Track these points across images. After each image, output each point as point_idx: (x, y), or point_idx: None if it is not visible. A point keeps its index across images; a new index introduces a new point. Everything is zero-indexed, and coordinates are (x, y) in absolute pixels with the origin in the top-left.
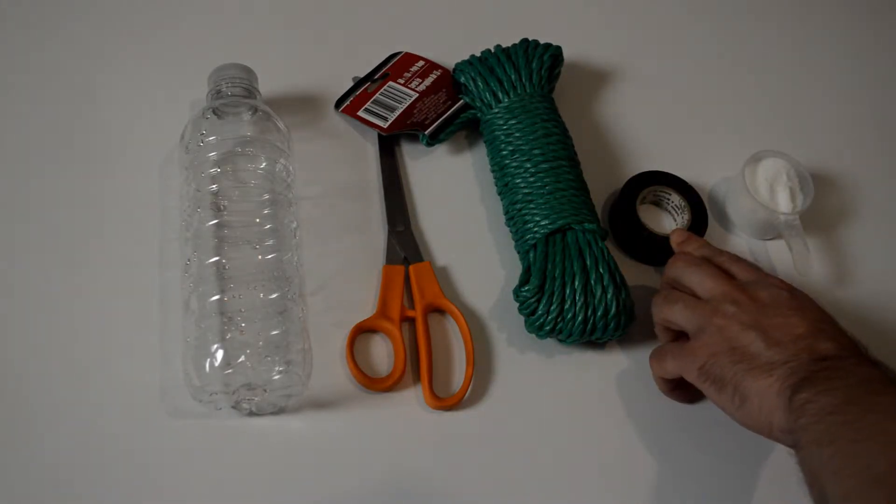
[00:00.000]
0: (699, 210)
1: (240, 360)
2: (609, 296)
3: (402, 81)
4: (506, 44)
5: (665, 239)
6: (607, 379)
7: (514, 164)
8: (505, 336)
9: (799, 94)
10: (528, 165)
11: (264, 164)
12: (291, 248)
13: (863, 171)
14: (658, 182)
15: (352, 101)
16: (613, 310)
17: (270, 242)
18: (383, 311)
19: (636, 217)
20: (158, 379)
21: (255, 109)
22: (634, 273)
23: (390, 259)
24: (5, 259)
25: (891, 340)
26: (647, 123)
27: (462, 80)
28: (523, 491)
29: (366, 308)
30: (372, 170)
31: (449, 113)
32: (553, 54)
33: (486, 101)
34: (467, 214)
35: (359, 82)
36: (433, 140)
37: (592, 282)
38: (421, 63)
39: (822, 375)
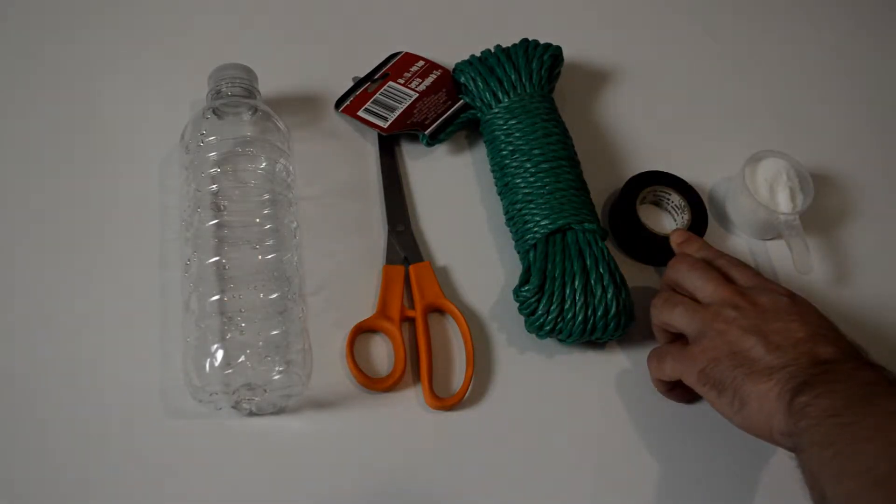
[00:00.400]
0: (699, 210)
1: (240, 360)
2: (609, 296)
3: (402, 81)
4: (506, 44)
5: (665, 239)
6: (607, 379)
7: (514, 164)
8: (505, 336)
9: (799, 94)
10: (528, 165)
11: (264, 164)
12: (291, 248)
13: (863, 171)
14: (658, 182)
15: (352, 101)
16: (613, 310)
17: (270, 242)
18: (383, 311)
19: (636, 217)
20: (158, 379)
21: (255, 109)
22: (634, 273)
23: (390, 259)
24: (5, 259)
25: (891, 340)
26: (647, 123)
27: (462, 80)
28: (523, 491)
29: (366, 308)
30: (372, 170)
31: (449, 113)
32: (553, 54)
33: (486, 101)
34: (467, 214)
35: (359, 82)
36: (433, 140)
37: (592, 282)
38: (421, 63)
39: (822, 379)
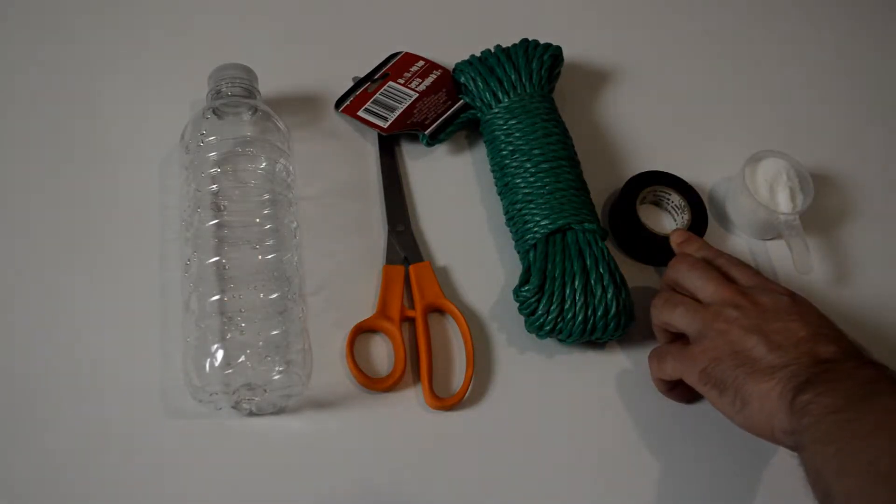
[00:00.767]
0: (699, 210)
1: (240, 360)
2: (609, 296)
3: (402, 81)
4: (506, 44)
5: (665, 239)
6: (607, 379)
7: (514, 164)
8: (505, 336)
9: (799, 94)
10: (528, 165)
11: (264, 164)
12: (291, 248)
13: (863, 171)
14: (658, 182)
15: (352, 101)
16: (613, 310)
17: (270, 242)
18: (383, 311)
19: (636, 217)
20: (158, 379)
21: (255, 109)
22: (634, 273)
23: (390, 259)
24: (6, 259)
25: (891, 340)
26: (647, 123)
27: (462, 80)
28: (523, 491)
29: (366, 308)
30: (372, 170)
31: (449, 113)
32: (553, 54)
33: (486, 101)
34: (467, 214)
35: (359, 82)
36: (433, 140)
37: (592, 282)
38: (421, 63)
39: (824, 377)
